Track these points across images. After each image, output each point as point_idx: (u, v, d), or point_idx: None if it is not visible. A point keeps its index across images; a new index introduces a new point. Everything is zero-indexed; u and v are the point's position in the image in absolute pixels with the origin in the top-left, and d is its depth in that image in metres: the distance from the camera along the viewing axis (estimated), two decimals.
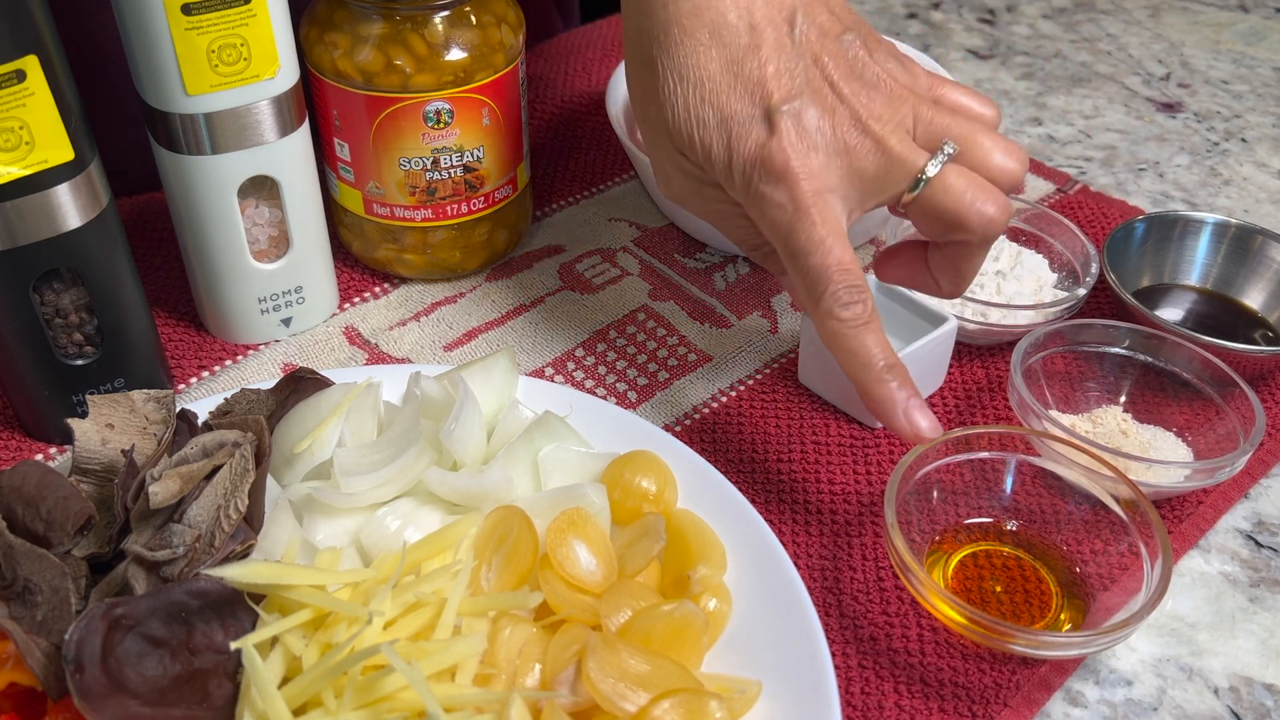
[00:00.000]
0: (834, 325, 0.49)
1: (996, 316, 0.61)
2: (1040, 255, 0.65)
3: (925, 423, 0.49)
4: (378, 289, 0.68)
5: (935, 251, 0.53)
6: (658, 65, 0.50)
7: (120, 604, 0.40)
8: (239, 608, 0.42)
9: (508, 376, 0.55)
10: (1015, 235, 0.67)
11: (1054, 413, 0.58)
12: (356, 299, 0.67)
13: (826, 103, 0.49)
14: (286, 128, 0.57)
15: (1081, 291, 0.61)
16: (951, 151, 0.49)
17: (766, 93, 0.49)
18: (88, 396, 0.48)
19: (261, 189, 0.59)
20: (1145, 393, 0.59)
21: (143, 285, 0.56)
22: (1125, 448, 0.55)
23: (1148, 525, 0.49)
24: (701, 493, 0.51)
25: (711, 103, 0.49)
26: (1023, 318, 0.61)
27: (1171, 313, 0.65)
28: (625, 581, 0.46)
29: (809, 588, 0.51)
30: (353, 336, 0.64)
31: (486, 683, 0.42)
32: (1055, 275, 0.64)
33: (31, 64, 0.46)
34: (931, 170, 0.49)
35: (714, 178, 0.51)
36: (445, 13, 0.59)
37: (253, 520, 0.45)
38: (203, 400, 0.53)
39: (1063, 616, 0.49)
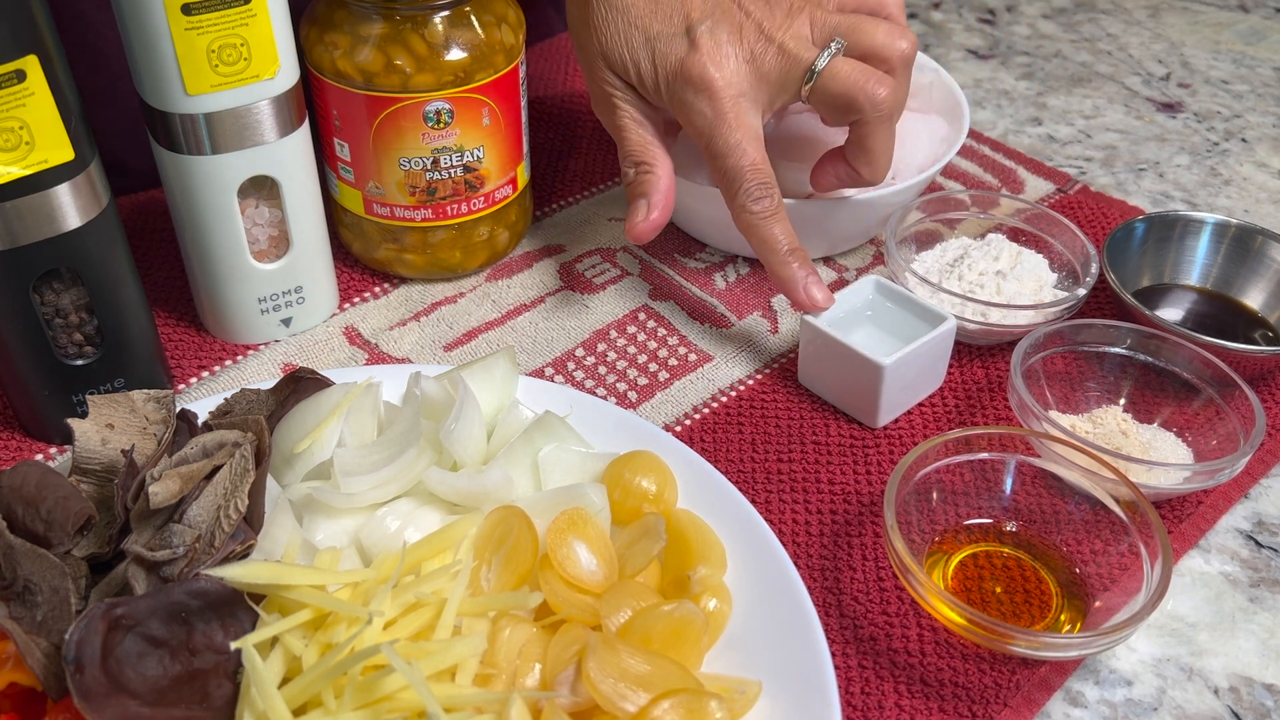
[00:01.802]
0: (747, 217, 0.58)
1: (996, 316, 0.61)
2: (1040, 255, 0.65)
3: (820, 294, 0.58)
4: (378, 289, 0.68)
5: (848, 143, 0.61)
6: None
7: (120, 604, 0.40)
8: (239, 608, 0.42)
9: (508, 376, 0.55)
10: (1015, 235, 0.67)
11: (1054, 413, 0.58)
12: (356, 299, 0.67)
13: (735, 19, 0.58)
14: (286, 128, 0.57)
15: (1081, 291, 0.61)
16: (839, 46, 0.57)
17: (685, 14, 0.58)
18: (88, 396, 0.48)
19: (261, 189, 0.59)
20: (1145, 393, 0.59)
21: (143, 285, 0.56)
22: (1125, 448, 0.55)
23: (1148, 526, 0.49)
24: (701, 493, 0.51)
25: (637, 25, 0.59)
26: (1023, 318, 0.61)
27: (1171, 313, 0.65)
28: (625, 581, 0.46)
29: (809, 588, 0.51)
30: (353, 336, 0.64)
31: (486, 683, 0.42)
32: (1055, 275, 0.64)
33: (31, 64, 0.46)
34: (821, 63, 0.57)
35: (643, 92, 0.60)
36: (445, 13, 0.59)
37: (253, 520, 0.45)
38: (203, 400, 0.53)
39: (1063, 617, 0.49)
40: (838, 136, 0.67)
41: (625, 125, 0.61)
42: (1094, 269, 0.62)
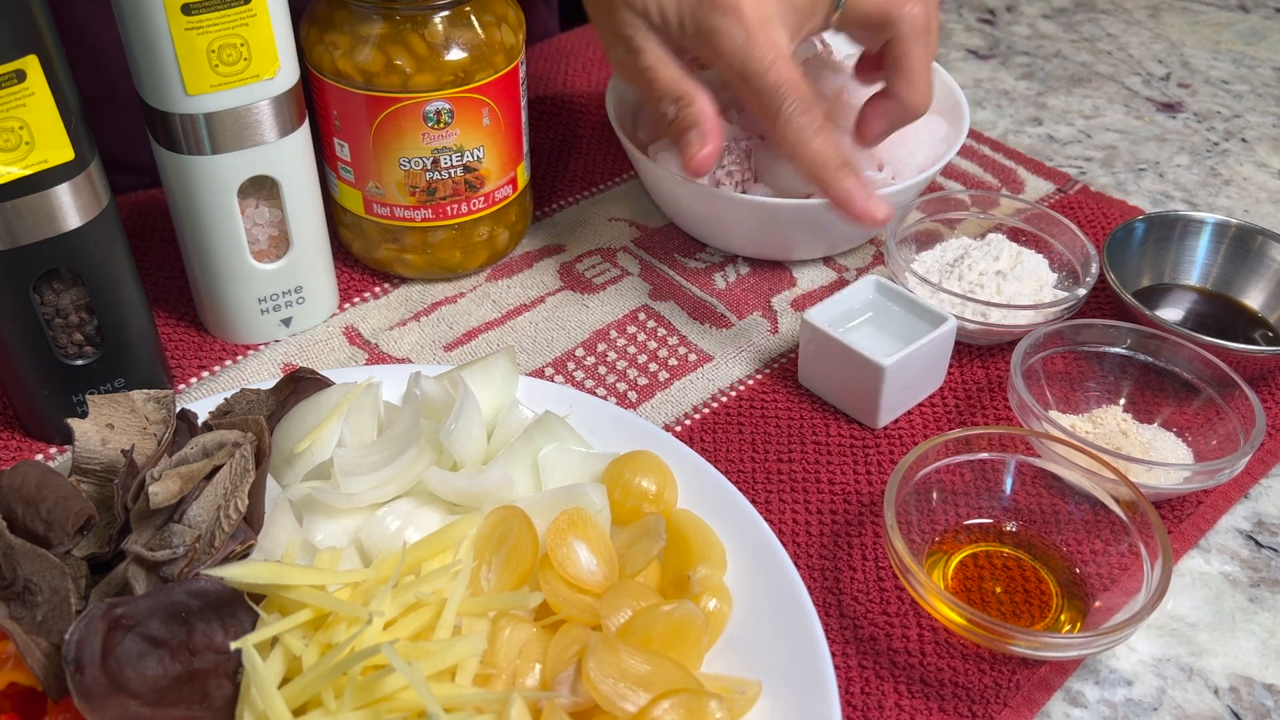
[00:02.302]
0: (793, 133, 0.56)
1: (996, 316, 0.61)
2: (1040, 255, 0.65)
3: (879, 206, 0.57)
4: (378, 289, 0.68)
5: (887, 70, 0.60)
6: None
7: (120, 604, 0.40)
8: (239, 608, 0.42)
9: (508, 376, 0.55)
10: (1015, 235, 0.67)
11: (1054, 413, 0.58)
12: (356, 299, 0.67)
13: None
14: (286, 128, 0.57)
15: (1081, 291, 0.61)
16: None
17: None
18: (88, 396, 0.48)
19: (261, 189, 0.59)
20: (1145, 393, 0.59)
21: (143, 285, 0.56)
22: (1125, 448, 0.55)
23: (1148, 526, 0.49)
24: (701, 493, 0.51)
25: None
26: (1023, 318, 0.61)
27: (1171, 313, 0.65)
28: (625, 581, 0.46)
29: (809, 588, 0.51)
30: (353, 336, 0.64)
31: (486, 683, 0.42)
32: (1055, 275, 0.64)
33: (31, 64, 0.46)
34: None
35: (666, 32, 0.58)
36: (445, 13, 0.59)
37: (253, 520, 0.45)
38: (203, 400, 0.53)
39: (1063, 617, 0.49)
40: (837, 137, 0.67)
41: (653, 65, 0.59)
42: (1094, 269, 0.62)
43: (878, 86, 0.67)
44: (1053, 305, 0.60)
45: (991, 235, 0.66)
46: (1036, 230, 0.66)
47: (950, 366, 0.62)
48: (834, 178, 0.57)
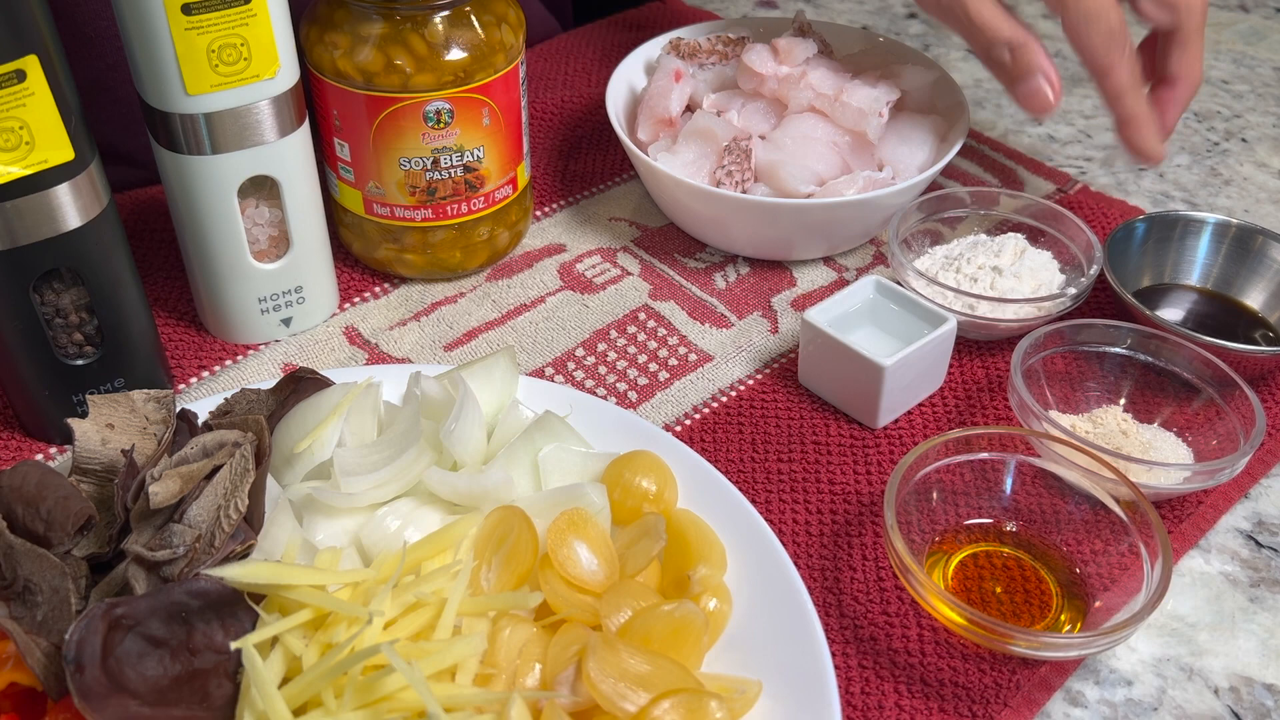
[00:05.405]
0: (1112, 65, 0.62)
1: (985, 310, 0.61)
2: (1047, 253, 0.64)
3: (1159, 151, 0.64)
4: (378, 289, 0.68)
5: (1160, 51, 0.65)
6: None
7: (120, 604, 0.40)
8: (239, 608, 0.42)
9: (508, 376, 0.55)
10: (1034, 237, 0.66)
11: (1054, 413, 0.58)
12: (356, 299, 0.67)
13: None
14: (286, 128, 0.57)
15: (1073, 291, 0.61)
16: None
17: None
18: (88, 396, 0.48)
19: (261, 189, 0.59)
20: (1145, 393, 0.59)
21: (143, 285, 0.56)
22: (1125, 448, 0.55)
23: (1148, 525, 0.49)
24: (701, 493, 0.51)
25: None
26: (1009, 311, 0.60)
27: (1171, 313, 0.65)
28: (625, 581, 0.46)
29: (809, 588, 0.51)
30: (353, 336, 0.64)
31: (486, 683, 0.42)
32: (1063, 276, 0.64)
33: (31, 64, 0.46)
34: None
35: None
36: (445, 13, 0.59)
37: (253, 520, 0.45)
38: (203, 400, 0.54)
39: (1063, 617, 0.49)
40: (837, 137, 0.67)
41: (978, 7, 0.60)
42: (1097, 258, 0.62)
43: (878, 86, 0.67)
44: (1046, 299, 0.60)
45: (1010, 234, 0.65)
46: (1042, 225, 0.66)
47: (950, 366, 0.62)
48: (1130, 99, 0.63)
